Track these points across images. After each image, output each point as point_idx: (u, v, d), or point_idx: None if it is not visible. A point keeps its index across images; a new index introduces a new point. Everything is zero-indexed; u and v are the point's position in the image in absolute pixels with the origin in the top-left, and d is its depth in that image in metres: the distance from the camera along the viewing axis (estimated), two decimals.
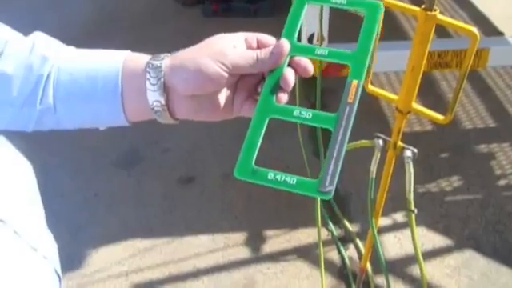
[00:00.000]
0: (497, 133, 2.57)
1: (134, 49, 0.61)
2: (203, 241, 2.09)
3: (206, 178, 2.36)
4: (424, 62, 1.10)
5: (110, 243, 2.09)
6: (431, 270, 1.93)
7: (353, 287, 1.89)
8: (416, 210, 1.32)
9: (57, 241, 0.70)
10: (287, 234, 2.10)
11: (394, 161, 1.32)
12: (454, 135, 2.54)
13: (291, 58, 0.58)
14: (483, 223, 2.11)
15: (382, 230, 2.07)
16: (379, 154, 1.34)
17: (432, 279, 1.90)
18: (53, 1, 3.84)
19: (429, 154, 2.41)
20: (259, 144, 0.55)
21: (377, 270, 1.88)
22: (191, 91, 0.57)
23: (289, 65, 0.58)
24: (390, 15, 3.23)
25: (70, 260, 1.99)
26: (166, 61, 0.57)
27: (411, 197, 1.29)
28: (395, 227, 2.10)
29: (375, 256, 1.63)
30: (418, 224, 1.38)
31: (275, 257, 2.02)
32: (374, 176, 1.38)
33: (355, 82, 0.55)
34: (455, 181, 2.31)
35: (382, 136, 1.31)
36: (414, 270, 1.93)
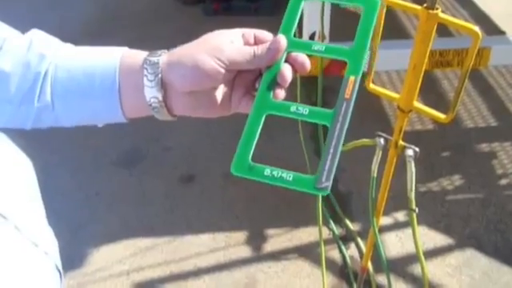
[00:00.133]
0: (498, 132, 2.57)
1: (135, 47, 0.61)
2: (204, 240, 2.09)
3: (207, 176, 2.36)
4: (425, 60, 1.10)
5: (111, 242, 2.09)
6: (432, 269, 1.93)
7: (354, 286, 1.89)
8: (417, 209, 1.32)
9: (58, 239, 0.70)
10: (288, 232, 2.10)
11: (395, 160, 1.32)
12: (456, 134, 2.54)
13: (288, 53, 0.58)
14: (484, 222, 2.11)
15: (384, 229, 2.07)
16: (380, 153, 1.33)
17: (433, 278, 1.90)
18: (54, 0, 3.84)
19: (430, 152, 2.41)
20: (256, 140, 0.55)
21: (378, 268, 1.88)
22: (188, 87, 0.57)
23: (286, 61, 0.58)
24: (391, 14, 3.23)
25: (71, 259, 1.99)
26: (163, 57, 0.57)
27: (412, 196, 1.29)
28: (396, 226, 2.10)
29: (376, 255, 1.63)
30: (419, 223, 1.38)
31: (276, 256, 2.02)
32: (375, 175, 1.38)
33: (352, 77, 0.55)
34: (456, 180, 2.31)
35: (384, 135, 1.30)
36: (415, 269, 1.93)
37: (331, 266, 1.97)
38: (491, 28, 3.24)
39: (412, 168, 1.25)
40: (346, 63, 0.57)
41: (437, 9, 1.03)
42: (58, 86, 0.58)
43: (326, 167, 0.51)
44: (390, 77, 2.89)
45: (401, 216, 2.13)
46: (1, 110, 0.57)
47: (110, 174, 2.41)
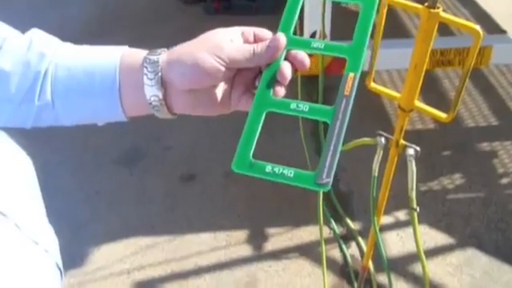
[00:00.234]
0: (499, 131, 2.57)
1: (136, 46, 0.61)
2: (205, 239, 2.09)
3: (207, 175, 2.36)
4: (427, 59, 1.10)
5: (112, 241, 2.09)
6: (433, 268, 1.93)
7: (355, 285, 1.89)
8: (418, 208, 1.31)
9: (58, 238, 0.70)
10: (289, 231, 2.10)
11: (396, 159, 1.32)
12: (457, 133, 2.54)
13: (288, 51, 0.58)
14: (485, 221, 2.11)
15: (384, 228, 2.07)
16: (381, 152, 1.33)
17: (434, 277, 1.90)
18: None
19: (431, 152, 2.40)
20: (257, 137, 0.55)
21: (379, 268, 1.88)
22: (188, 85, 0.57)
23: (285, 58, 0.58)
24: (392, 13, 3.23)
25: (72, 258, 1.99)
26: (163, 56, 0.57)
27: (413, 195, 1.29)
28: (397, 225, 2.10)
29: (377, 254, 1.63)
30: (420, 222, 1.38)
31: (277, 255, 2.02)
32: (376, 174, 1.38)
33: (352, 74, 0.56)
34: (457, 179, 2.31)
35: (385, 134, 1.30)
36: (416, 268, 1.93)
37: (332, 265, 1.97)
38: (492, 27, 3.23)
39: (413, 167, 1.25)
40: (346, 62, 0.57)
41: (438, 8, 1.03)
42: (58, 85, 0.58)
43: (327, 163, 0.52)
44: (390, 76, 2.89)
45: (402, 215, 2.13)
46: (1, 109, 0.58)
47: (111, 173, 2.41)
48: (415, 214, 1.33)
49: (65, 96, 0.58)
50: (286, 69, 0.57)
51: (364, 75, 1.19)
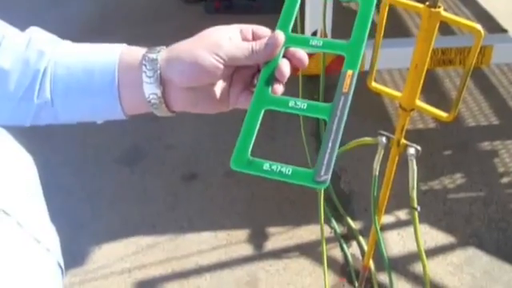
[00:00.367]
0: (500, 130, 2.57)
1: (136, 45, 0.61)
2: (206, 238, 2.09)
3: (208, 175, 2.36)
4: (428, 59, 1.10)
5: (113, 240, 2.09)
6: (434, 267, 1.93)
7: (355, 285, 1.89)
8: (419, 208, 1.32)
9: (60, 237, 0.70)
10: (290, 231, 2.10)
11: (397, 158, 1.32)
12: (457, 133, 2.54)
13: (286, 49, 0.58)
14: (486, 221, 2.11)
15: (385, 228, 2.07)
16: (382, 152, 1.33)
17: (435, 277, 1.90)
18: None
19: (432, 151, 2.40)
20: (255, 135, 0.55)
21: (379, 267, 1.88)
22: (187, 83, 0.57)
23: (284, 56, 0.58)
24: (393, 12, 3.23)
25: (73, 256, 1.99)
26: (161, 53, 0.57)
27: (414, 194, 1.29)
28: (398, 225, 2.10)
29: (378, 253, 1.63)
30: (420, 221, 1.38)
31: (278, 254, 2.02)
32: (377, 173, 1.38)
33: (350, 71, 0.56)
34: (458, 178, 2.31)
35: (386, 133, 1.30)
36: (417, 268, 1.93)
37: (333, 264, 1.97)
38: (493, 26, 3.23)
39: (414, 166, 1.25)
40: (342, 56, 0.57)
41: (439, 7, 1.03)
42: (57, 83, 0.58)
43: (325, 160, 0.52)
44: (391, 75, 2.89)
45: (402, 214, 2.13)
46: (0, 107, 0.58)
47: (112, 172, 2.41)
48: (416, 214, 1.33)
49: (64, 94, 0.58)
50: (285, 66, 0.57)
51: (365, 75, 1.20)
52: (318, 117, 0.55)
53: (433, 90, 2.72)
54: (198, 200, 2.26)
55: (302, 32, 2.22)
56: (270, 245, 2.06)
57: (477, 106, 2.72)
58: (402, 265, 1.96)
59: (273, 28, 0.60)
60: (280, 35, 0.58)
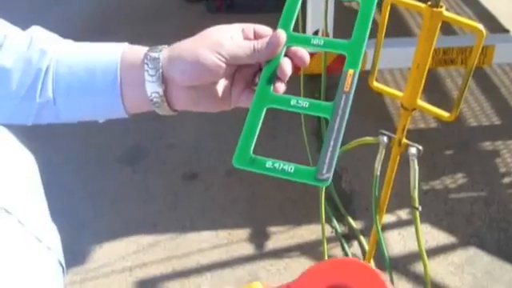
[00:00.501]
0: (502, 130, 2.56)
1: (137, 44, 0.61)
2: (207, 237, 2.09)
3: (210, 174, 2.36)
4: (429, 59, 1.10)
5: (114, 239, 2.09)
6: (435, 267, 1.93)
7: None
8: (420, 207, 1.32)
9: (61, 236, 0.70)
10: (291, 230, 2.10)
11: (398, 158, 1.32)
12: (459, 132, 2.53)
13: (288, 48, 0.58)
14: (487, 221, 2.11)
15: (386, 227, 2.06)
16: (384, 151, 1.33)
17: (436, 276, 1.90)
18: None
19: (433, 151, 2.40)
20: (257, 133, 0.55)
21: (380, 267, 1.88)
22: (189, 82, 0.57)
23: (286, 55, 0.58)
24: (395, 12, 3.22)
25: (74, 255, 1.99)
26: (163, 52, 0.58)
27: (416, 194, 1.29)
28: (399, 224, 2.10)
29: (379, 253, 1.63)
30: (421, 221, 1.38)
31: (278, 253, 2.02)
32: (378, 173, 1.38)
33: (351, 70, 0.56)
34: (459, 178, 2.31)
35: (387, 133, 1.30)
36: (418, 267, 1.93)
37: None
38: (495, 26, 3.23)
39: (415, 166, 1.25)
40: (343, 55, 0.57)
41: (441, 7, 1.03)
42: (59, 82, 0.58)
43: (327, 159, 0.52)
44: (393, 75, 2.88)
45: (404, 214, 2.13)
46: (2, 106, 0.58)
47: (114, 172, 2.41)
48: (417, 213, 1.33)
49: (66, 93, 0.58)
50: (286, 65, 0.57)
51: (367, 74, 1.20)
52: (319, 115, 0.56)
53: (434, 90, 2.71)
54: (200, 199, 2.26)
55: (304, 31, 2.22)
56: (271, 244, 2.06)
57: (478, 105, 2.72)
58: (402, 264, 1.96)
59: (274, 27, 0.60)
60: (282, 34, 0.58)
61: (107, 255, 2.04)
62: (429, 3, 1.04)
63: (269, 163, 0.53)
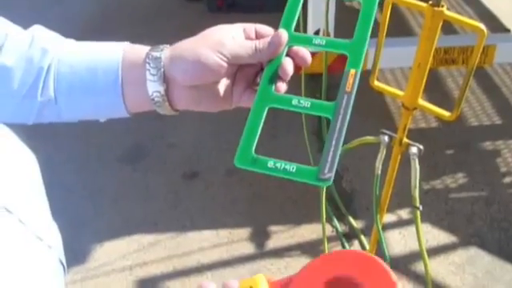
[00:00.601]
0: (503, 130, 2.56)
1: (138, 43, 0.61)
2: (207, 236, 2.09)
3: (210, 173, 2.37)
4: (430, 58, 1.10)
5: (115, 238, 2.10)
6: (436, 266, 1.93)
7: None
8: (421, 207, 1.32)
9: (61, 235, 0.70)
10: (291, 229, 2.10)
11: (399, 157, 1.32)
12: (460, 132, 2.53)
13: (289, 48, 0.58)
14: (488, 220, 2.10)
15: (387, 227, 2.06)
16: (384, 151, 1.33)
17: (436, 276, 1.90)
18: None
19: (434, 150, 2.40)
20: (259, 133, 0.55)
21: None
22: (190, 81, 0.57)
23: (287, 55, 0.58)
24: (396, 11, 3.22)
25: (75, 254, 1.99)
26: (165, 52, 0.57)
27: (416, 193, 1.29)
28: (400, 224, 2.10)
29: (379, 252, 1.63)
30: (422, 221, 1.38)
31: (279, 253, 2.03)
32: (379, 172, 1.38)
33: (353, 70, 0.56)
34: (460, 178, 2.31)
35: (388, 132, 1.30)
36: (419, 267, 1.93)
37: None
38: (496, 26, 3.22)
39: (416, 166, 1.25)
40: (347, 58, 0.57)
41: (442, 6, 1.03)
42: (61, 81, 0.58)
43: (329, 159, 0.52)
44: (394, 74, 2.88)
45: (404, 213, 2.13)
46: (4, 105, 0.58)
47: (114, 171, 2.41)
48: (418, 213, 1.33)
49: (67, 92, 0.58)
50: (288, 65, 0.57)
51: (368, 74, 1.20)
52: (321, 115, 0.56)
53: (435, 90, 2.71)
54: (200, 198, 2.26)
55: (305, 31, 2.21)
56: (272, 243, 2.06)
57: (479, 105, 2.72)
58: (403, 264, 1.96)
59: (276, 27, 0.60)
60: (283, 34, 0.58)
61: (108, 254, 2.04)
62: (430, 2, 1.04)
63: (270, 163, 0.53)
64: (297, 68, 0.59)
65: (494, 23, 3.25)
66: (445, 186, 2.26)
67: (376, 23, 0.59)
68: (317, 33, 2.23)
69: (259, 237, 2.09)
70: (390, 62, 2.08)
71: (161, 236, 2.10)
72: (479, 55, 1.02)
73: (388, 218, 2.09)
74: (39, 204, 0.68)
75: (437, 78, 2.86)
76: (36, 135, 0.89)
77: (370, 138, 1.37)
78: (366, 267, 0.46)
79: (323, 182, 0.51)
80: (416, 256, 1.95)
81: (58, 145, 2.51)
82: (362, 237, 2.06)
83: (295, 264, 1.98)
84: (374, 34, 0.69)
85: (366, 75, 0.87)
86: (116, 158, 2.48)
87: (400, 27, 3.19)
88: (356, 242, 2.06)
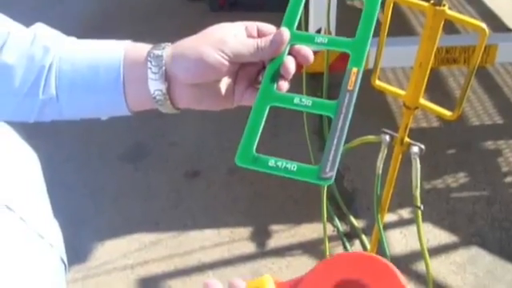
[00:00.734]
0: (504, 129, 2.56)
1: (140, 42, 0.61)
2: (209, 235, 2.09)
3: (212, 172, 2.37)
4: (432, 57, 1.10)
5: (116, 236, 2.10)
6: (437, 266, 1.93)
7: None
8: (422, 206, 1.31)
9: (62, 233, 0.70)
10: (292, 229, 2.10)
11: (400, 157, 1.32)
12: (461, 131, 2.53)
13: (291, 46, 0.58)
14: (489, 220, 2.10)
15: (388, 226, 2.06)
16: (386, 150, 1.33)
17: (437, 276, 1.90)
18: None
19: (435, 150, 2.40)
20: (260, 132, 0.55)
21: None
22: (192, 80, 0.57)
23: (289, 53, 0.58)
24: (398, 10, 3.22)
25: (76, 253, 2.00)
26: (167, 50, 0.57)
27: (417, 193, 1.29)
28: (401, 223, 2.10)
29: (381, 252, 1.63)
30: (423, 220, 1.38)
31: (280, 252, 2.03)
32: (380, 172, 1.38)
33: (355, 69, 0.56)
34: (461, 177, 2.30)
35: (389, 132, 1.30)
36: (420, 267, 1.93)
37: None
38: (498, 25, 3.22)
39: (417, 165, 1.25)
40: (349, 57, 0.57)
41: (444, 5, 1.03)
42: (62, 79, 0.58)
43: (330, 157, 0.52)
44: (395, 74, 2.88)
45: (405, 213, 2.12)
46: (5, 103, 0.58)
47: (116, 169, 2.41)
48: (419, 212, 1.33)
49: (69, 90, 0.58)
50: (290, 63, 0.57)
51: (369, 73, 1.19)
52: (323, 114, 0.55)
53: (437, 89, 2.71)
54: (201, 197, 2.26)
55: (306, 30, 2.21)
56: (273, 243, 2.06)
57: (481, 105, 2.71)
58: (404, 263, 1.96)
59: (278, 26, 0.60)
60: (285, 32, 0.58)
61: (109, 253, 2.04)
62: (432, 2, 1.04)
63: (271, 162, 0.53)
64: (298, 67, 0.59)
65: (495, 23, 3.24)
66: (446, 185, 2.26)
67: (377, 22, 0.59)
68: (318, 31, 2.23)
69: (260, 236, 2.09)
70: (391, 61, 2.08)
71: (162, 235, 2.10)
72: (481, 55, 1.02)
73: (389, 217, 2.08)
74: (40, 202, 0.68)
75: (438, 77, 2.86)
76: (37, 133, 0.89)
77: (371, 138, 1.37)
78: (375, 270, 0.46)
79: (324, 181, 0.51)
80: (417, 255, 1.95)
81: (59, 143, 2.51)
82: (363, 236, 2.06)
83: (296, 263, 1.98)
84: (376, 34, 0.69)
85: (367, 74, 0.87)
86: (117, 157, 2.48)
87: (401, 26, 3.18)
88: (357, 242, 2.06)
